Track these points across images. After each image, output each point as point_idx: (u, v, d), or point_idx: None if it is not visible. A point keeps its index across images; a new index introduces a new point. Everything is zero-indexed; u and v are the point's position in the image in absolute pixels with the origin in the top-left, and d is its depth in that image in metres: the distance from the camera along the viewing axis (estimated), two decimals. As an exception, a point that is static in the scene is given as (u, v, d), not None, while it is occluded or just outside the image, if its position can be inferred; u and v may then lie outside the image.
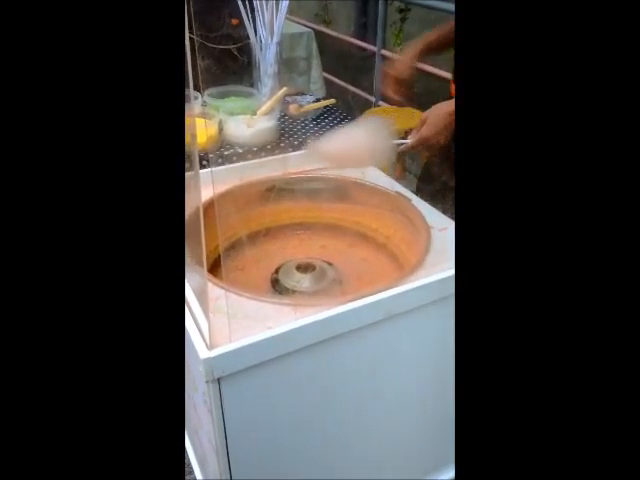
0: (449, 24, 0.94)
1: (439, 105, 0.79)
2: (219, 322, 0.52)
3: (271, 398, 0.56)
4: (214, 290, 0.59)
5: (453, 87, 0.96)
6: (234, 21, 1.14)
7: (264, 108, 1.08)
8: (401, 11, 3.47)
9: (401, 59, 0.92)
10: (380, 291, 0.57)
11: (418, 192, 0.91)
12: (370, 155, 0.75)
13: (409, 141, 0.79)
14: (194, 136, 0.51)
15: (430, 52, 0.93)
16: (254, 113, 1.09)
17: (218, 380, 0.50)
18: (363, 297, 0.56)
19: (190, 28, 0.42)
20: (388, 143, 0.76)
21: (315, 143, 0.75)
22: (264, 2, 1.10)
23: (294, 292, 0.71)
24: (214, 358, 0.48)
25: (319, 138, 0.76)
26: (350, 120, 1.24)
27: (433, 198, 0.88)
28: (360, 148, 0.73)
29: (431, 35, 0.94)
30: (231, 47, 1.14)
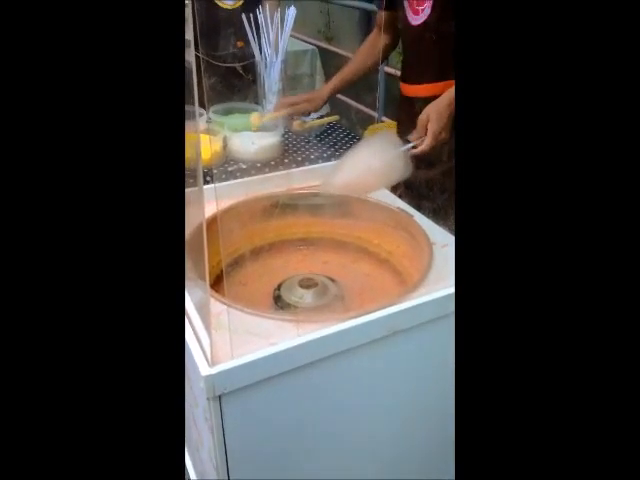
0: (355, 62, 1.13)
1: (436, 102, 0.83)
2: (221, 338, 0.52)
3: (273, 416, 0.55)
4: (216, 305, 0.59)
5: (402, 86, 1.06)
6: (239, 43, 1.17)
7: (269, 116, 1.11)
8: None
9: (318, 92, 1.11)
10: (383, 307, 0.57)
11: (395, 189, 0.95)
12: (387, 173, 0.76)
13: (417, 144, 0.81)
14: (199, 152, 0.52)
15: (344, 88, 1.13)
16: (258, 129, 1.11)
17: (219, 397, 0.50)
18: (366, 313, 0.56)
19: (196, 46, 0.43)
20: (399, 155, 0.77)
21: (327, 179, 0.76)
22: (269, 22, 1.12)
23: (296, 308, 0.71)
24: (215, 375, 0.48)
25: (330, 173, 0.76)
26: (353, 136, 1.25)
27: (413, 193, 0.91)
28: (375, 170, 0.74)
29: (343, 73, 1.12)
30: (236, 65, 1.16)
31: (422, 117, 0.83)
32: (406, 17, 0.97)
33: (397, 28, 1.06)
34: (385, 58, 1.17)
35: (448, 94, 0.85)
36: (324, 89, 1.12)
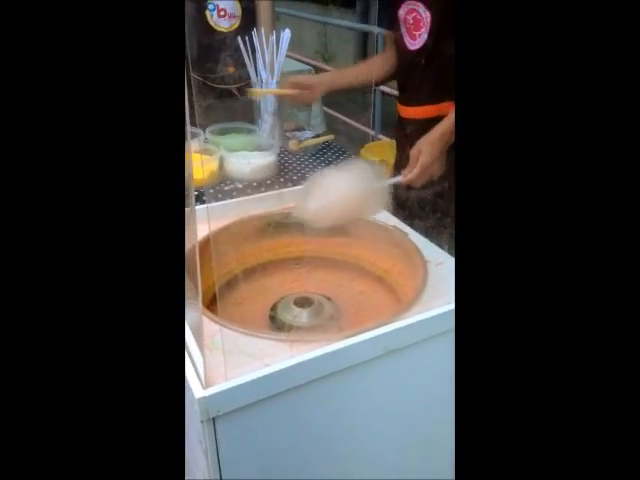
0: (361, 68, 1.10)
1: (428, 135, 0.83)
2: (215, 359, 0.52)
3: (268, 438, 0.55)
4: (210, 326, 0.59)
5: (400, 107, 1.06)
6: (230, 69, 1.18)
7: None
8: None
9: (316, 80, 1.06)
10: (378, 327, 0.57)
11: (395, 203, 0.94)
12: (365, 206, 0.74)
13: (404, 177, 0.80)
14: (190, 173, 0.52)
15: (341, 87, 1.08)
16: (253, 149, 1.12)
17: (213, 419, 0.49)
18: (361, 333, 0.56)
19: (190, 67, 0.43)
20: (379, 187, 0.75)
21: (302, 201, 0.73)
22: (265, 44, 1.14)
23: (292, 327, 0.71)
24: (209, 397, 0.48)
25: (305, 194, 0.74)
26: (348, 155, 1.26)
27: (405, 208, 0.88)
28: (353, 201, 0.72)
29: (345, 73, 1.10)
30: (231, 87, 1.18)
31: (414, 152, 0.83)
32: (404, 42, 1.00)
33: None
34: (388, 80, 1.12)
35: (440, 127, 0.85)
36: (321, 82, 1.06)
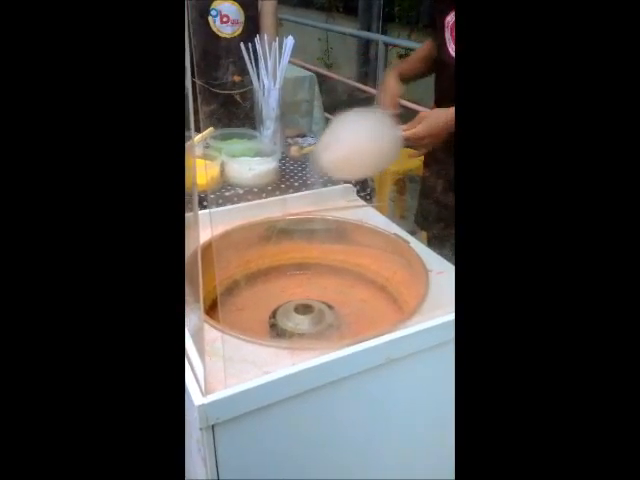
0: (414, 58, 1.05)
1: (440, 110, 0.83)
2: (215, 366, 0.51)
3: (267, 446, 0.54)
4: (211, 332, 0.58)
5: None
6: (236, 77, 1.18)
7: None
8: (401, 56, 3.61)
9: (392, 80, 1.01)
10: (379, 335, 0.57)
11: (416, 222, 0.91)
12: (381, 158, 0.74)
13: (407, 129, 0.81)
14: (194, 177, 0.52)
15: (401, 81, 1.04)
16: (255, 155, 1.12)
17: (212, 427, 0.49)
18: (362, 341, 0.56)
19: (193, 73, 0.44)
20: (395, 139, 0.75)
21: (318, 151, 0.74)
22: (267, 50, 1.14)
23: (292, 334, 0.70)
24: (209, 404, 0.48)
25: (322, 143, 0.74)
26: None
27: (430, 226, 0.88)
28: (370, 153, 0.73)
29: (401, 67, 1.05)
30: (234, 92, 1.18)
31: (420, 114, 0.82)
32: (447, 48, 1.01)
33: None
34: (426, 74, 1.10)
35: (450, 112, 0.83)
36: (394, 85, 1.00)
